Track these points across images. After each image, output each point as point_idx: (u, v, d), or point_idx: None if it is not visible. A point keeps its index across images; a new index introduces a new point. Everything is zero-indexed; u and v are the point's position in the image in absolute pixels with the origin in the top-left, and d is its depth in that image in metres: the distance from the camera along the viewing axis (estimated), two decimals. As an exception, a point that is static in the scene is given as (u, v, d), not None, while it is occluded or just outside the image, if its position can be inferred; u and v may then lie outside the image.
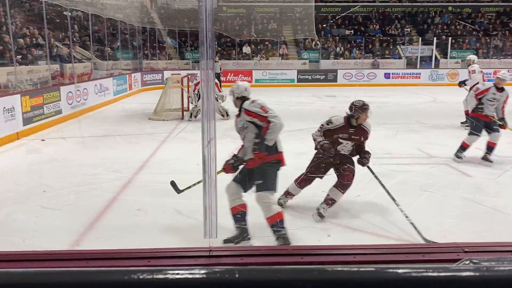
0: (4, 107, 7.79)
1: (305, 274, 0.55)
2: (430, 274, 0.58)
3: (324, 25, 26.52)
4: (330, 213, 4.32)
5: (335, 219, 4.18)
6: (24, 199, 4.83)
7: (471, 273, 0.60)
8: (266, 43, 24.81)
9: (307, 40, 24.75)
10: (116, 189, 5.12)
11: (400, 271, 0.56)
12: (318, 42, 24.28)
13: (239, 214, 3.74)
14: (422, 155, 6.88)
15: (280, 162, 3.80)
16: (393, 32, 26.16)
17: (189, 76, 11.50)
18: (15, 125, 8.12)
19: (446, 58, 23.37)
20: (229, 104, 13.56)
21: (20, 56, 10.82)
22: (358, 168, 6.09)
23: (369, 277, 0.57)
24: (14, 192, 5.08)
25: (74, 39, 15.85)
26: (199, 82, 10.96)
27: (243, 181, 3.79)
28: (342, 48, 24.69)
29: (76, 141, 8.35)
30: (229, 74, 21.02)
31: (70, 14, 14.81)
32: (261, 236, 3.76)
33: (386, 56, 24.24)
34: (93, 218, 4.20)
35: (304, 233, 3.88)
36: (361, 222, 4.13)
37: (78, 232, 3.90)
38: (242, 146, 3.92)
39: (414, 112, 12.28)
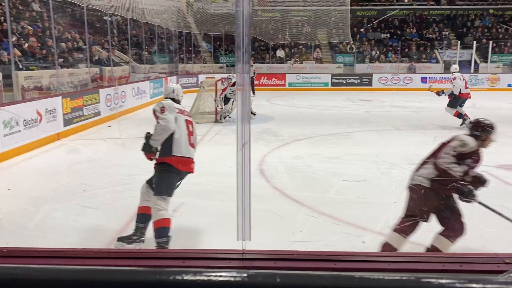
0: (46, 109, 8.10)
1: (346, 281, 0.54)
2: (474, 286, 0.56)
3: (360, 29, 26.22)
4: (365, 219, 4.26)
5: (369, 225, 4.12)
6: (64, 198, 5.00)
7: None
8: (300, 46, 24.75)
9: (341, 44, 24.53)
10: (151, 190, 5.22)
11: (443, 281, 0.55)
12: (353, 46, 24.02)
13: (141, 215, 3.70)
14: (460, 162, 6.68)
15: (171, 166, 3.64)
16: (430, 35, 25.57)
17: (222, 80, 11.63)
18: (56, 126, 8.42)
19: (486, 62, 22.62)
20: (262, 107, 13.59)
21: (62, 60, 11.22)
22: (391, 175, 5.99)
23: (411, 287, 0.56)
24: (54, 190, 5.27)
25: (113, 43, 16.32)
26: (226, 87, 11.10)
27: (151, 182, 3.78)
28: (377, 52, 24.33)
29: (114, 142, 8.58)
30: (263, 77, 21.08)
31: (109, 18, 15.27)
32: (292, 241, 3.75)
33: (423, 60, 23.71)
34: (129, 218, 4.30)
35: (338, 239, 3.85)
36: (395, 229, 4.04)
37: (115, 231, 4.00)
38: None
39: (452, 117, 11.94)
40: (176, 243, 3.81)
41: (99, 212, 4.56)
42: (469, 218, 4.36)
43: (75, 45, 12.94)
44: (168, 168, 3.64)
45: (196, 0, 27.30)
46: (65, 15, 13.59)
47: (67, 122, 8.86)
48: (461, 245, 3.70)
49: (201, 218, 4.39)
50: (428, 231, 4.01)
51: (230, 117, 11.04)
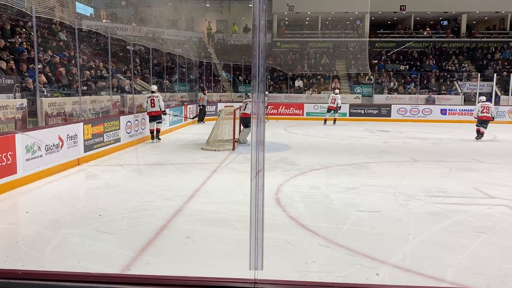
0: (68, 134, 8.30)
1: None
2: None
3: (378, 61, 26.35)
4: (381, 252, 4.18)
5: (385, 257, 4.04)
6: (81, 222, 5.06)
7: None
8: (319, 77, 24.96)
9: (360, 75, 24.66)
10: (167, 216, 5.25)
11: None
12: (371, 77, 24.11)
13: None
14: (480, 195, 6.55)
15: None
16: (450, 67, 25.52)
17: (242, 105, 11.88)
18: (76, 152, 8.60)
19: (508, 94, 22.38)
20: (279, 136, 13.62)
21: (86, 88, 11.55)
22: (406, 204, 5.90)
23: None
24: (72, 215, 5.34)
25: (136, 71, 16.74)
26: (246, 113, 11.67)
27: None
28: (396, 83, 24.34)
29: (132, 169, 8.69)
30: (281, 107, 21.24)
31: (132, 48, 15.71)
32: (305, 272, 3.70)
33: (443, 92, 23.60)
34: (143, 244, 4.31)
35: (352, 270, 3.78)
36: (412, 262, 3.96)
37: (129, 257, 4.02)
38: None
39: (472, 149, 11.77)
40: (187, 271, 3.80)
41: (114, 238, 4.59)
42: (489, 254, 4.25)
43: (99, 73, 13.32)
44: None
45: (217, 31, 27.97)
46: (90, 45, 14.05)
47: (87, 148, 9.04)
48: (479, 280, 3.60)
49: (214, 246, 4.37)
50: (444, 264, 3.92)
51: (246, 141, 11.60)
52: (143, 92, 15.35)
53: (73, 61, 11.90)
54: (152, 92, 12.48)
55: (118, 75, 14.98)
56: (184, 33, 24.55)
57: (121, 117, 10.91)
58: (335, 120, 18.68)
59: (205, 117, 18.92)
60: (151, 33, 21.77)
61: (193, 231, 4.78)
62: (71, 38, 13.18)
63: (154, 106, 12.17)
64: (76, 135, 8.61)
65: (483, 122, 13.74)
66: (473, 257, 4.13)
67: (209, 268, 3.86)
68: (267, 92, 21.22)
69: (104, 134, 9.86)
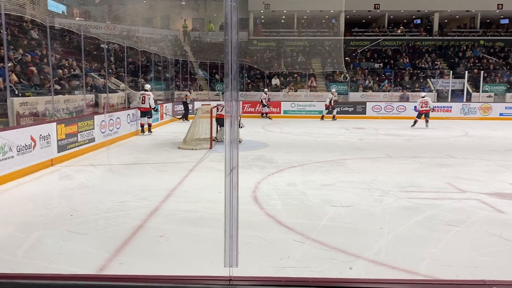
0: (41, 135, 8.12)
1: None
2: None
3: (353, 59, 26.67)
4: (354, 246, 4.24)
5: (359, 252, 4.10)
6: (54, 224, 4.96)
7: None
8: (295, 75, 25.10)
9: (335, 73, 24.91)
10: (142, 216, 5.20)
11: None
12: (347, 75, 24.38)
13: None
14: (452, 190, 6.71)
15: None
16: (423, 65, 26.02)
17: (218, 107, 11.80)
18: (50, 152, 8.42)
19: (478, 91, 22.98)
20: (256, 134, 13.65)
21: (59, 87, 11.31)
22: (381, 199, 6.00)
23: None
24: (45, 216, 5.23)
25: (110, 70, 16.49)
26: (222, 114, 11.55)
27: None
28: (371, 81, 24.68)
29: (107, 169, 8.56)
30: (258, 105, 21.26)
31: (106, 46, 15.47)
32: (280, 267, 3.73)
33: (416, 89, 24.06)
34: (118, 244, 4.26)
35: (326, 265, 3.82)
36: (386, 256, 4.03)
37: (104, 257, 3.96)
38: None
39: (445, 145, 12.04)
40: (162, 270, 3.77)
41: (87, 239, 4.52)
42: (461, 247, 4.36)
43: (72, 72, 13.08)
44: None
45: (193, 29, 27.80)
46: (63, 43, 13.78)
47: (61, 148, 8.86)
48: (450, 272, 3.69)
49: (190, 245, 4.35)
50: (418, 257, 4.00)
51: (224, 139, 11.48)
52: (118, 91, 15.15)
53: (45, 60, 11.64)
54: (145, 90, 13.87)
55: (92, 73, 14.73)
56: (160, 31, 24.32)
57: (95, 116, 10.73)
58: (334, 116, 19.86)
59: (178, 117, 18.82)
60: (125, 31, 21.50)
61: (169, 230, 4.75)
62: (43, 36, 12.90)
63: (144, 103, 13.61)
64: (49, 135, 8.43)
65: (425, 114, 16.80)
66: (445, 250, 4.23)
67: (185, 267, 3.84)
68: (266, 90, 21.71)
69: (78, 134, 9.69)
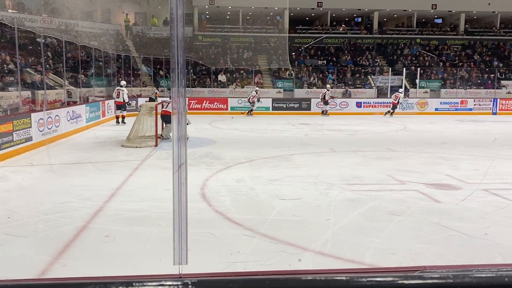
0: (-29, 134, 7.59)
1: (258, 283, 0.55)
2: (380, 279, 0.60)
3: (298, 56, 27.11)
4: (301, 238, 4.32)
5: (307, 244, 4.18)
6: (-11, 228, 4.66)
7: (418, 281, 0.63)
8: (242, 71, 25.13)
9: (281, 70, 25.21)
10: (86, 217, 5.01)
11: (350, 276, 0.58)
12: (292, 72, 24.75)
13: None
14: (392, 182, 7.01)
15: None
16: (364, 62, 26.93)
17: (163, 103, 11.57)
18: (-18, 152, 7.89)
19: (415, 88, 24.13)
20: (204, 131, 13.56)
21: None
22: (327, 192, 6.17)
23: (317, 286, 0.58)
24: (-22, 221, 4.90)
25: (47, 65, 15.70)
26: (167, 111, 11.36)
27: None
28: (315, 78, 25.22)
29: (46, 169, 8.16)
30: (204, 101, 21.11)
31: (43, 40, 14.71)
32: (230, 263, 3.73)
33: (358, 85, 24.87)
34: (61, 247, 4.08)
35: (276, 258, 3.87)
36: (332, 247, 4.14)
37: (45, 261, 3.78)
38: None
39: (385, 139, 12.56)
40: (108, 271, 3.66)
41: (27, 242, 4.29)
42: (402, 235, 4.56)
43: (5, 68, 12.33)
44: None
45: (135, 23, 27.07)
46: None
47: (-6, 148, 8.34)
48: (393, 260, 3.86)
49: (137, 244, 4.25)
50: (362, 247, 4.15)
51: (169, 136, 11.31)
52: (56, 87, 14.48)
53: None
54: (121, 86, 15.82)
55: (28, 69, 13.96)
56: (100, 25, 23.44)
57: (32, 114, 10.18)
58: (325, 111, 20.65)
59: (127, 113, 18.31)
60: (63, 25, 20.53)
61: (114, 230, 4.60)
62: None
63: (119, 97, 15.54)
64: (-19, 134, 7.90)
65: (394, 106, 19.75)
66: (387, 239, 4.41)
67: (133, 267, 3.74)
68: (257, 88, 21.23)
69: (14, 133, 9.15)
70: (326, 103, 20.50)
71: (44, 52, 14.55)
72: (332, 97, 20.74)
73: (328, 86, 21.27)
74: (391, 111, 20.31)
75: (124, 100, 15.47)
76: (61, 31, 18.68)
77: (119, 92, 15.50)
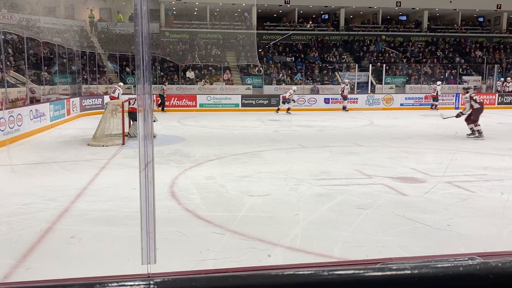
0: None
1: (221, 281, 0.55)
2: (342, 272, 0.61)
3: (267, 52, 27.17)
4: (271, 234, 4.35)
5: (277, 240, 4.21)
6: None
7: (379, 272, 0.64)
8: (210, 68, 24.98)
9: (250, 66, 25.20)
10: (51, 218, 4.87)
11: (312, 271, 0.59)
12: (260, 68, 24.78)
13: None
14: (360, 176, 7.14)
15: None
16: (331, 59, 27.26)
17: (130, 100, 11.37)
18: None
19: (381, 83, 24.62)
20: (173, 128, 13.41)
21: None
22: (296, 188, 6.23)
23: (279, 282, 0.59)
24: None
25: (8, 63, 15.15)
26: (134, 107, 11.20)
27: None
28: (284, 75, 25.34)
29: (8, 169, 7.89)
30: (173, 98, 20.88)
31: (3, 37, 14.18)
32: (200, 260, 3.71)
33: (325, 82, 25.15)
34: (24, 250, 3.95)
35: (246, 255, 3.88)
36: (302, 242, 4.19)
37: (8, 264, 3.66)
38: None
39: (352, 135, 12.77)
40: (74, 273, 3.57)
41: (-11, 246, 4.14)
42: (370, 229, 4.65)
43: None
44: None
45: (101, 19, 26.47)
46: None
47: (-49, 149, 7.99)
48: (361, 252, 3.93)
49: (104, 245, 4.17)
50: (331, 241, 4.21)
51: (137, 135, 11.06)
52: (18, 85, 14.00)
53: None
54: (118, 83, 17.64)
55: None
56: (64, 21, 22.79)
57: (-8, 113, 9.81)
58: (345, 107, 21.04)
59: (94, 111, 18.01)
60: (24, 21, 19.84)
61: (81, 231, 4.50)
62: None
63: (114, 93, 16.67)
64: None
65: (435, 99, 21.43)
66: (355, 232, 4.50)
67: (100, 267, 3.67)
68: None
69: (-28, 133, 8.80)
70: (345, 98, 20.90)
71: (4, 49, 14.03)
72: (350, 91, 21.30)
73: (346, 80, 21.95)
74: (435, 103, 21.48)
75: (118, 97, 16.18)
76: (22, 27, 18.03)
77: (115, 89, 16.85)
